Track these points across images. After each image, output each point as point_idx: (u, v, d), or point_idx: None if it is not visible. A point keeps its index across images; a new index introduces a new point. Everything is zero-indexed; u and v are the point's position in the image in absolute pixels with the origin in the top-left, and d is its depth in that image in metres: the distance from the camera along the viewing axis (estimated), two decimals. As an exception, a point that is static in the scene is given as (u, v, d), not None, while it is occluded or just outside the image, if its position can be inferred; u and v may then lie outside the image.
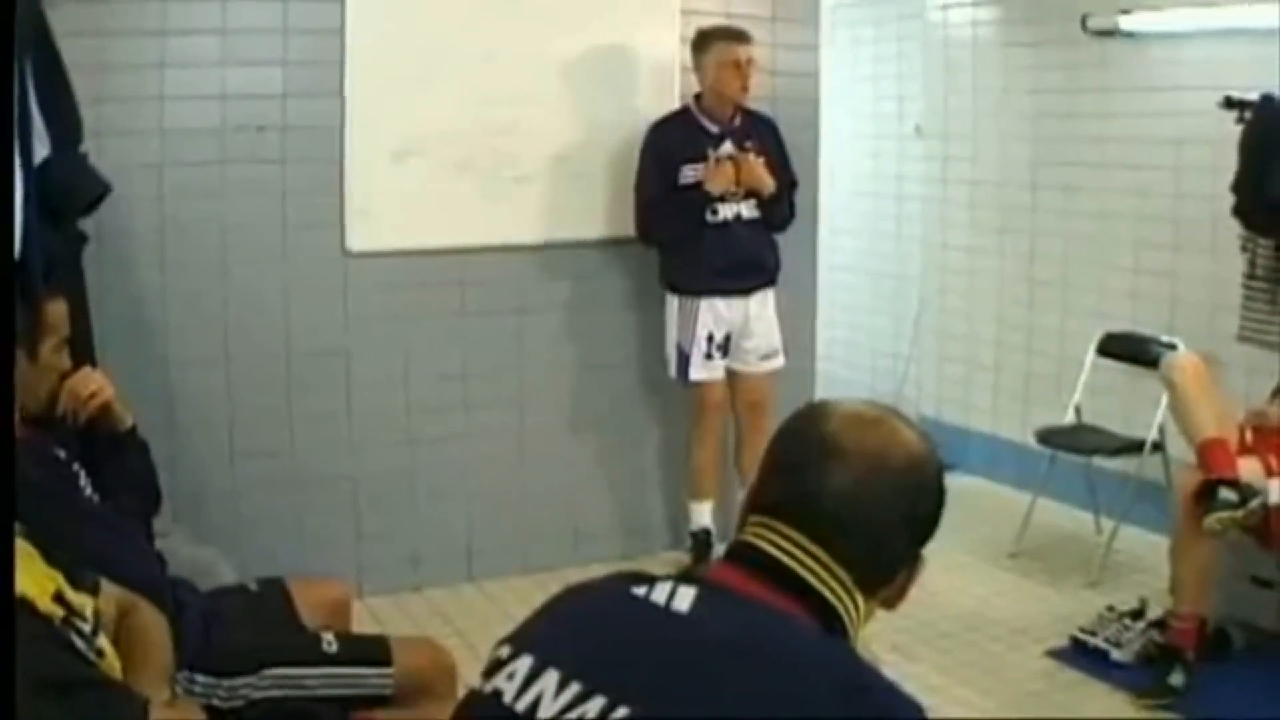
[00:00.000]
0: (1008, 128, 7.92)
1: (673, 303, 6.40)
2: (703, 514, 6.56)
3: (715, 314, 6.33)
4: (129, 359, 5.05)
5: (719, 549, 6.11)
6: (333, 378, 6.11)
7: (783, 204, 6.39)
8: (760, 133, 6.36)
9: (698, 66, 6.28)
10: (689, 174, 6.24)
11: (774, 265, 6.45)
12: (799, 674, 1.66)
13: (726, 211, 6.24)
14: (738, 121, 6.32)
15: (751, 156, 6.20)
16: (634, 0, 6.53)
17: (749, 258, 6.32)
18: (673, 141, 6.31)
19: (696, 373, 6.40)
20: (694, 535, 6.56)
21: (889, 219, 9.05)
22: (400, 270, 6.16)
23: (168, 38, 5.57)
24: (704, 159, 6.22)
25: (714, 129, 6.28)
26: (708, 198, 6.21)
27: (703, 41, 6.25)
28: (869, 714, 1.65)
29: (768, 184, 6.21)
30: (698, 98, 6.34)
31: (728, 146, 6.25)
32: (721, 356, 6.39)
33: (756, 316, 6.40)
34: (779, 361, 6.48)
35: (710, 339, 6.35)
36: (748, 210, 6.26)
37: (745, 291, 6.36)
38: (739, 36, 6.20)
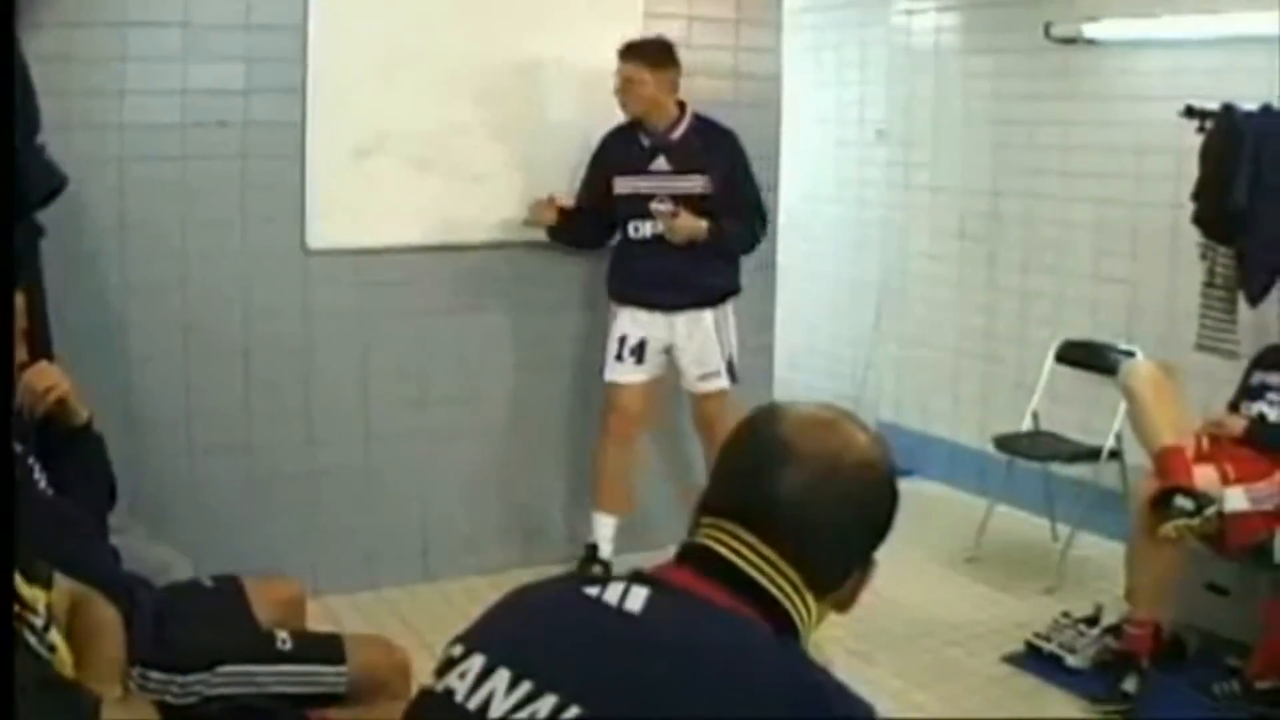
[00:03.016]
0: (969, 134, 7.95)
1: (610, 305, 6.41)
2: (599, 526, 6.45)
3: (634, 319, 6.32)
4: (87, 354, 5.00)
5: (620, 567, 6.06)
6: (292, 375, 6.10)
7: (734, 228, 6.23)
8: (708, 147, 6.25)
9: None
10: (621, 185, 6.22)
11: (711, 287, 6.33)
12: (750, 675, 1.66)
13: (646, 229, 6.21)
14: (677, 135, 6.23)
15: (675, 215, 6.06)
16: (598, 3, 6.52)
17: (671, 276, 6.18)
18: (611, 152, 6.30)
19: (608, 373, 6.38)
20: (586, 546, 6.47)
21: (850, 224, 9.07)
22: (360, 268, 6.15)
23: (129, 30, 5.54)
24: (636, 171, 6.19)
25: (646, 142, 6.23)
26: (634, 210, 6.20)
27: None
28: (818, 714, 1.66)
29: (696, 236, 6.08)
30: None
31: (661, 162, 6.19)
32: (636, 362, 6.33)
33: (687, 335, 6.32)
34: (721, 383, 6.37)
35: (623, 341, 6.32)
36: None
37: (667, 308, 6.28)
38: (621, 54, 6.09)
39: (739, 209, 6.24)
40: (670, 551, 1.91)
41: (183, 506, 5.77)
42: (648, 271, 6.23)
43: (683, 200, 6.13)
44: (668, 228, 6.07)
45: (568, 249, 6.53)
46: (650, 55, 6.09)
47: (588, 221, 6.36)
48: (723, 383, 6.38)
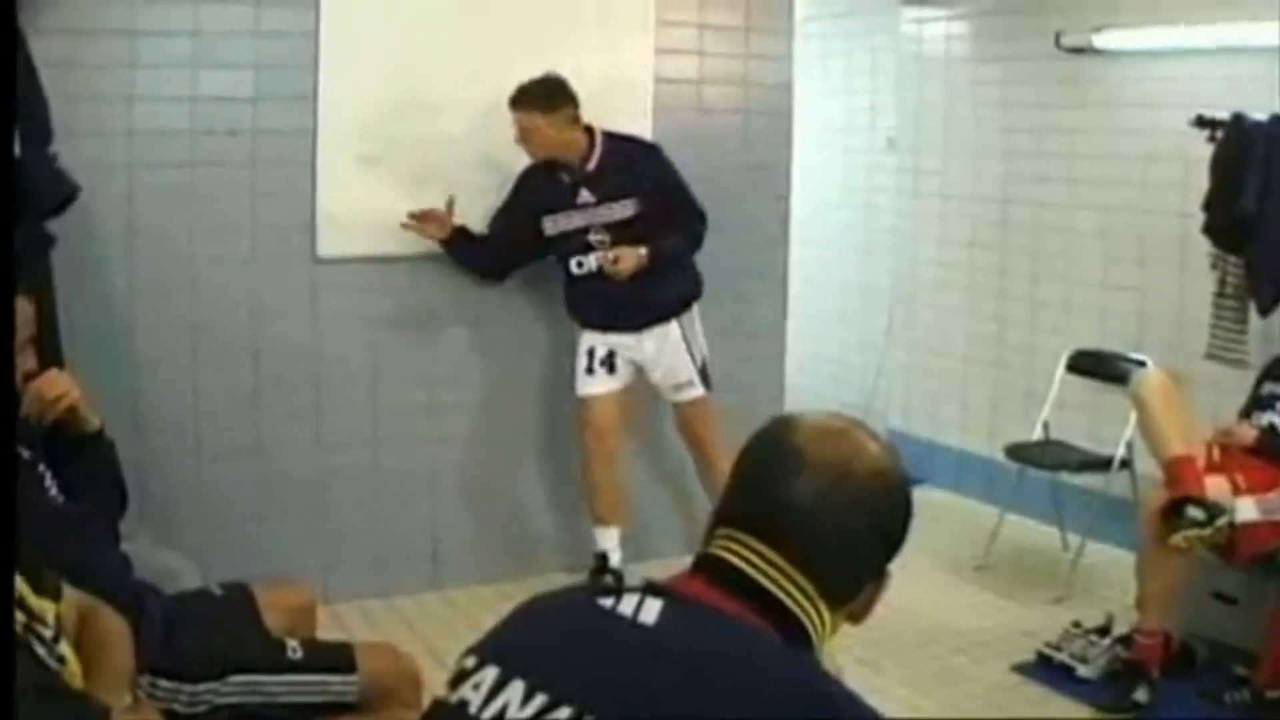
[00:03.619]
0: (979, 142, 7.95)
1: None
2: (603, 537, 6.40)
3: (601, 335, 6.29)
4: (96, 360, 5.01)
5: (641, 575, 6.02)
6: (300, 381, 6.10)
7: (673, 241, 6.16)
8: (627, 168, 6.16)
9: None
10: (551, 225, 6.16)
11: (668, 302, 6.27)
12: (762, 685, 1.66)
13: (591, 262, 6.14)
14: (593, 165, 6.13)
15: (615, 261, 5.99)
16: (609, 12, 6.50)
17: (627, 302, 6.12)
18: (532, 192, 6.21)
19: (580, 388, 6.34)
20: (596, 556, 6.42)
21: (859, 231, 9.07)
22: (369, 275, 6.16)
23: (139, 38, 5.55)
24: (562, 209, 6.12)
25: (565, 178, 6.14)
26: (570, 248, 6.16)
27: None
28: (825, 723, 1.65)
29: (639, 267, 6.01)
30: None
31: (585, 195, 6.11)
32: (608, 372, 6.29)
33: (656, 352, 6.28)
34: (697, 391, 6.34)
35: (591, 354, 6.29)
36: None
37: (629, 329, 6.24)
38: (511, 102, 5.97)
39: (675, 218, 6.18)
40: (669, 560, 1.91)
41: (190, 512, 5.78)
42: (604, 302, 6.18)
43: (615, 227, 6.09)
44: (610, 271, 6.02)
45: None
46: (539, 100, 5.96)
47: (492, 252, 6.28)
48: (698, 391, 6.35)
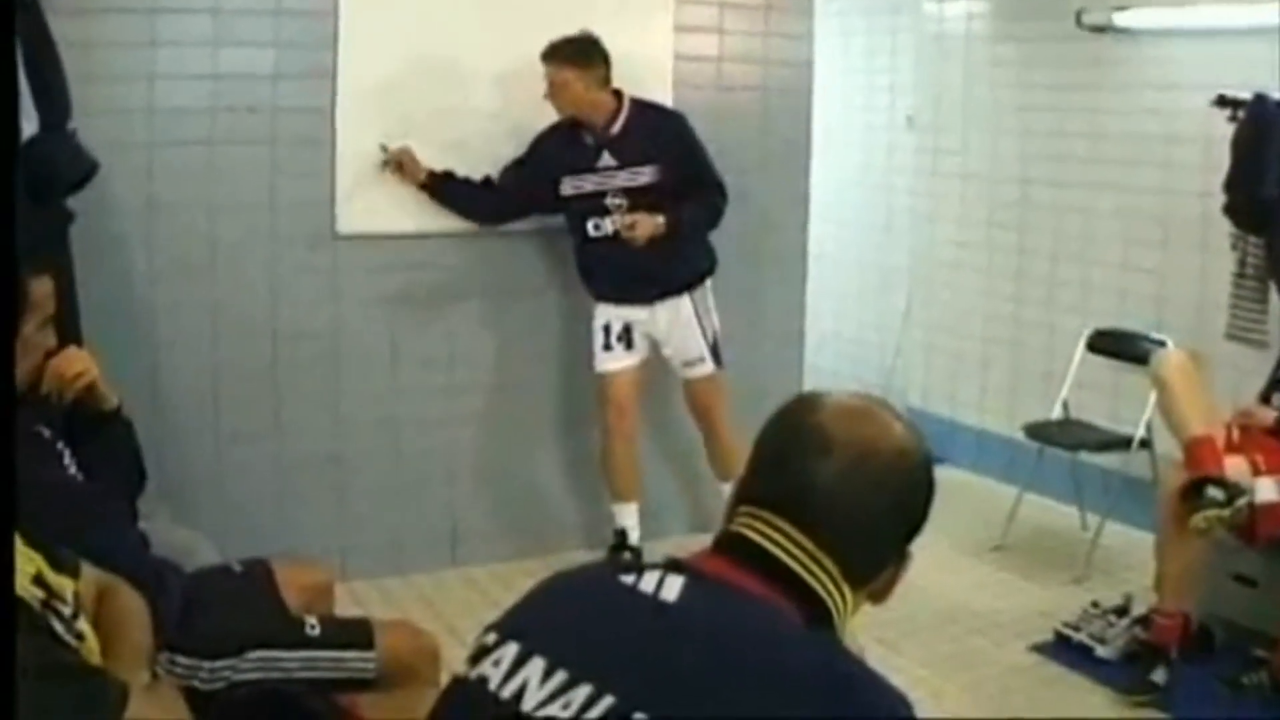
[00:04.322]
0: (999, 122, 7.92)
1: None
2: (622, 514, 6.43)
3: (615, 310, 6.30)
4: (115, 338, 5.00)
5: (652, 554, 6.02)
6: (320, 359, 6.11)
7: (692, 212, 6.15)
8: (651, 135, 6.17)
9: None
10: (569, 186, 6.16)
11: (684, 274, 6.28)
12: (784, 665, 1.66)
13: (607, 225, 6.13)
14: (618, 128, 6.14)
15: (631, 227, 5.98)
16: (628, -14, 6.49)
17: (642, 271, 6.12)
18: (553, 152, 6.20)
19: (599, 364, 6.35)
20: (615, 533, 6.45)
21: (879, 210, 9.05)
22: (389, 252, 6.16)
23: (159, 16, 5.56)
24: (582, 170, 6.12)
25: (588, 140, 6.14)
26: (588, 210, 6.15)
27: None
28: (852, 706, 1.65)
29: (655, 234, 5.99)
30: None
31: (606, 158, 6.11)
32: (625, 348, 6.31)
33: (668, 326, 6.29)
34: (707, 368, 6.34)
35: (607, 330, 6.30)
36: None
37: (642, 301, 6.26)
38: (544, 56, 5.99)
39: (695, 189, 6.17)
40: (681, 539, 1.91)
41: (209, 490, 5.80)
42: (618, 269, 6.18)
43: (635, 192, 6.08)
44: (626, 237, 6.01)
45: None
46: (572, 54, 5.97)
47: (495, 201, 6.26)
48: (708, 368, 6.35)
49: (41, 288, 3.55)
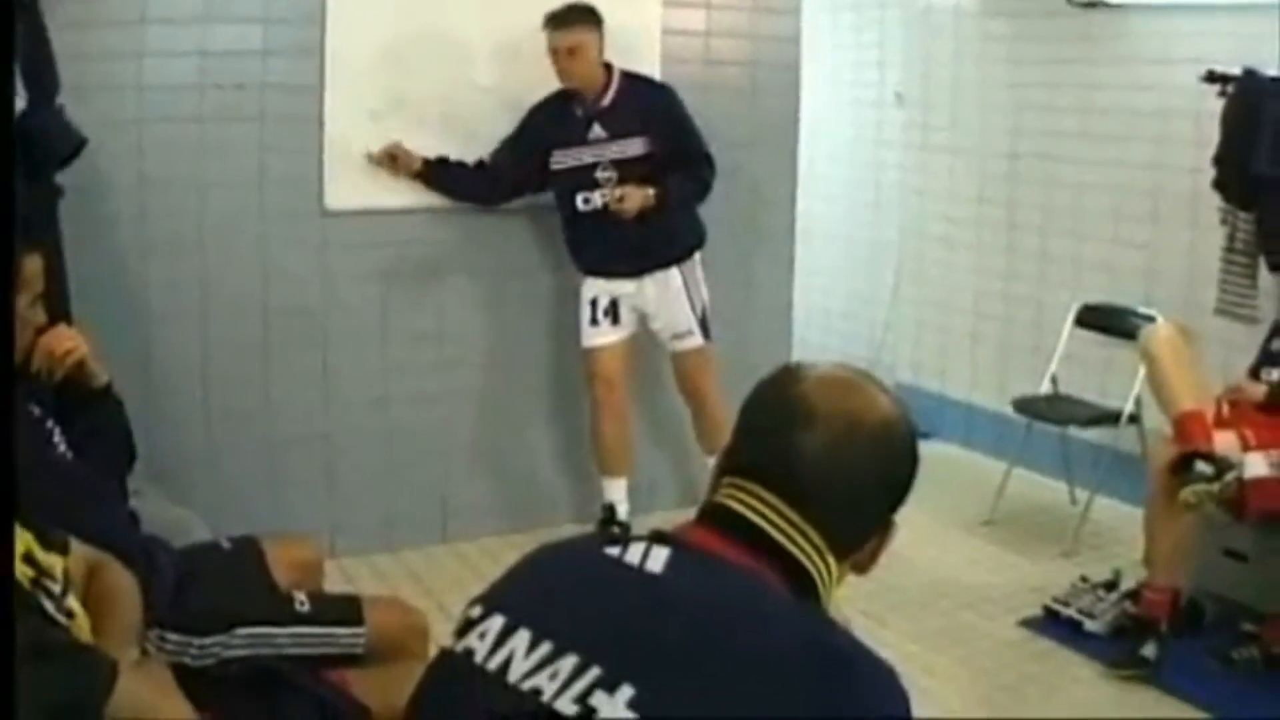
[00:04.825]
0: (988, 97, 7.92)
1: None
2: (611, 489, 6.44)
3: (602, 284, 6.30)
4: (105, 315, 4.98)
5: (641, 529, 6.01)
6: (309, 336, 6.10)
7: (681, 185, 6.15)
8: (642, 107, 6.17)
9: None
10: (560, 159, 6.16)
11: (672, 246, 6.28)
12: (769, 636, 1.66)
13: (596, 199, 6.12)
14: (608, 99, 6.14)
15: (620, 200, 5.99)
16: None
17: (631, 244, 6.13)
18: (544, 126, 6.20)
19: (586, 339, 6.35)
20: (603, 508, 6.46)
21: (868, 186, 9.04)
22: (378, 228, 6.15)
23: (148, -7, 5.55)
24: (572, 143, 6.12)
25: (579, 112, 6.14)
26: (578, 183, 6.15)
27: None
28: (838, 676, 1.65)
29: (645, 206, 6.00)
30: None
31: (597, 130, 6.11)
32: (612, 322, 6.31)
33: (657, 299, 6.30)
34: (695, 340, 6.35)
35: (594, 304, 6.30)
36: None
37: (631, 274, 6.26)
38: (551, 22, 5.96)
39: (684, 162, 6.17)
40: (669, 514, 1.91)
41: (199, 467, 5.79)
42: (606, 242, 6.18)
43: (624, 165, 6.09)
44: (615, 209, 6.00)
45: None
46: (587, 15, 6.00)
47: (490, 181, 6.24)
48: (697, 340, 6.36)
49: (32, 265, 3.55)
